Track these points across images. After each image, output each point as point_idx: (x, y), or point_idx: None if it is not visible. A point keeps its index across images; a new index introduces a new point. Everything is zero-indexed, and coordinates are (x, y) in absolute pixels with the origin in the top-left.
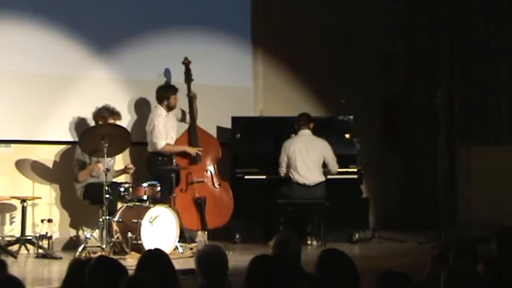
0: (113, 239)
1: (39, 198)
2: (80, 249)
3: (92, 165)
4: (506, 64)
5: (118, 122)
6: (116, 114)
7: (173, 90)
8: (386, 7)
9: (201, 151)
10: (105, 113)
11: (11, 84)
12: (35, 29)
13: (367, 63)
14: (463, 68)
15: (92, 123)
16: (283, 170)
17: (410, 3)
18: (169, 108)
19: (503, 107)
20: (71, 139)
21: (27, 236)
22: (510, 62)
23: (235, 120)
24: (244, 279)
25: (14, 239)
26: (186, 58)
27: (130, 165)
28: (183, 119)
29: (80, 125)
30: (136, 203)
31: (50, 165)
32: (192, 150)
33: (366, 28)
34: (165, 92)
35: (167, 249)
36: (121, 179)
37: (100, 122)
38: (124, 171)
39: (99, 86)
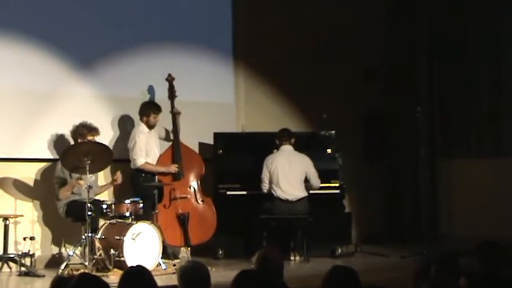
0: (95, 256)
1: (22, 216)
2: (62, 266)
3: (73, 180)
4: (487, 78)
5: (97, 138)
6: (94, 130)
7: (155, 108)
8: (367, 22)
9: (178, 167)
10: (83, 130)
11: None
12: (16, 45)
13: (348, 78)
14: (444, 82)
15: (72, 141)
16: (265, 186)
17: (391, 17)
18: (149, 126)
19: (484, 120)
20: (51, 156)
21: (10, 254)
22: (492, 75)
23: (217, 136)
24: None
25: None
26: (169, 75)
27: (118, 175)
28: (166, 138)
29: (61, 142)
30: (119, 220)
31: (32, 183)
32: (171, 169)
33: (346, 43)
34: (146, 109)
35: (150, 265)
36: (103, 195)
37: (79, 140)
38: (112, 183)
39: (80, 103)
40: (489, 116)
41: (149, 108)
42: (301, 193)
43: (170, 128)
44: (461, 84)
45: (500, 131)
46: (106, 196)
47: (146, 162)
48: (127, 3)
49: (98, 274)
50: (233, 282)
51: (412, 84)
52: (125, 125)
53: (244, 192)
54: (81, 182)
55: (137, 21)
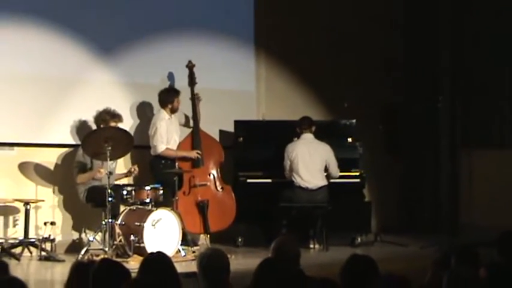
0: (115, 242)
1: (42, 200)
2: (82, 251)
3: (94, 171)
4: (508, 68)
5: (119, 125)
6: (117, 117)
7: (176, 93)
8: (387, 13)
9: (200, 154)
10: (106, 116)
11: (14, 88)
12: (38, 32)
13: (370, 67)
14: (466, 72)
15: (94, 126)
16: (286, 174)
17: (411, 8)
18: (173, 111)
19: (506, 110)
20: (73, 142)
21: (30, 238)
22: None
23: (237, 123)
24: (251, 282)
25: (17, 241)
26: (190, 61)
27: (135, 167)
28: (186, 124)
29: (82, 128)
30: (139, 206)
31: (53, 168)
32: (192, 154)
33: (368, 33)
34: (168, 96)
35: (169, 252)
36: (124, 181)
37: (102, 125)
38: (127, 174)
39: (102, 90)
40: (511, 107)
41: (172, 95)
42: (321, 182)
43: (190, 115)
44: (484, 75)
45: None
46: (126, 182)
47: (167, 148)
48: None
49: (118, 260)
50: (256, 270)
51: (433, 74)
52: (145, 112)
53: (264, 180)
54: (102, 170)
55: (158, 8)
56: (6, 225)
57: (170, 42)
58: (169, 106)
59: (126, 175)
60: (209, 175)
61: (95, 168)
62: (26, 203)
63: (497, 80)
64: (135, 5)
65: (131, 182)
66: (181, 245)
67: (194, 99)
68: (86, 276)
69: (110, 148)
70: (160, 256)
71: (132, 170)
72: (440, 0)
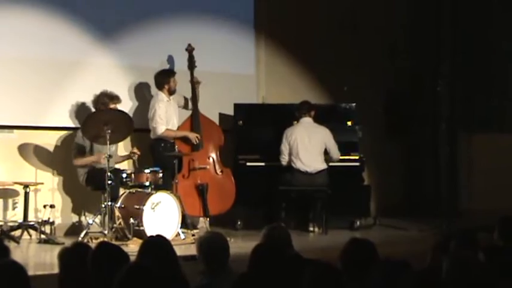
0: (115, 225)
1: (42, 183)
2: (82, 234)
3: (95, 156)
4: (509, 52)
5: (118, 106)
6: (115, 99)
7: (170, 73)
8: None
9: (199, 138)
10: (105, 99)
11: (13, 70)
12: (36, 15)
13: (371, 51)
14: (466, 57)
15: (93, 109)
16: (285, 158)
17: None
18: (171, 92)
19: (506, 95)
20: (72, 125)
21: (30, 221)
22: None
23: (237, 107)
24: (247, 267)
25: (16, 224)
26: (189, 45)
27: (135, 150)
28: (185, 106)
29: (81, 111)
30: (139, 189)
31: (53, 150)
32: (193, 136)
33: (372, 16)
34: (164, 77)
35: (169, 235)
36: (123, 165)
37: (101, 108)
38: (129, 156)
39: (101, 72)
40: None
41: (166, 75)
42: (321, 165)
43: (189, 97)
44: (484, 60)
45: None
46: (126, 165)
47: (167, 129)
48: None
49: (117, 243)
50: (250, 256)
51: (435, 59)
52: (144, 95)
53: (264, 164)
54: (102, 158)
55: None
56: (5, 208)
57: (170, 25)
58: (166, 87)
59: (127, 157)
60: (209, 158)
61: (95, 151)
62: (26, 186)
63: (499, 64)
64: None
65: (131, 164)
66: (180, 228)
67: (193, 82)
68: (84, 261)
69: (109, 131)
70: (159, 239)
71: (134, 151)
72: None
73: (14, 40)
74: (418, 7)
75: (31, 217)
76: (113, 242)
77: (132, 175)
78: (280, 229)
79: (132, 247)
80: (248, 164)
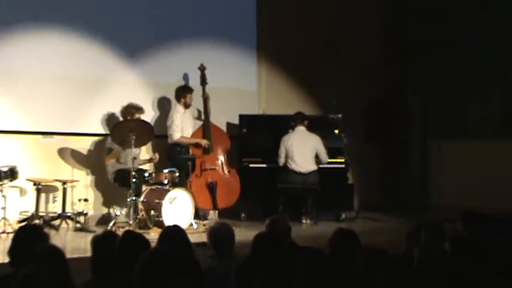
0: (138, 216)
1: (77, 181)
2: (110, 224)
3: (116, 150)
4: (474, 67)
5: (142, 116)
6: (140, 110)
7: (189, 90)
8: (369, 25)
9: (209, 144)
10: (132, 110)
11: (53, 86)
12: (74, 39)
13: (353, 70)
14: (436, 72)
15: (121, 118)
16: (281, 160)
17: (389, 22)
18: (186, 106)
19: (470, 107)
20: (103, 131)
21: (67, 212)
22: (479, 63)
23: (242, 117)
24: (250, 251)
25: (56, 215)
26: (201, 64)
27: (156, 155)
28: (198, 117)
29: (110, 119)
30: (158, 186)
31: (86, 153)
32: (203, 142)
33: (352, 42)
34: (182, 92)
35: (184, 225)
36: (146, 166)
37: (128, 117)
38: (150, 160)
39: (127, 87)
40: (473, 104)
41: (185, 91)
42: (312, 167)
43: (201, 109)
44: (452, 74)
45: (483, 117)
46: (148, 166)
47: (182, 136)
48: (166, 3)
49: (140, 231)
50: (252, 242)
51: (408, 75)
52: (164, 107)
53: (264, 165)
54: (127, 160)
55: (175, 19)
56: (47, 201)
57: (185, 47)
58: (183, 101)
59: (149, 161)
60: (217, 160)
61: (121, 154)
62: (64, 183)
63: (463, 80)
64: (156, 17)
65: (152, 165)
66: (193, 219)
67: (205, 96)
68: (112, 247)
69: (134, 137)
70: (176, 228)
71: (153, 157)
72: (409, 15)
73: (55, 60)
74: (393, 34)
75: (68, 209)
76: (137, 230)
77: (153, 174)
78: (281, 220)
79: (153, 235)
80: (251, 165)
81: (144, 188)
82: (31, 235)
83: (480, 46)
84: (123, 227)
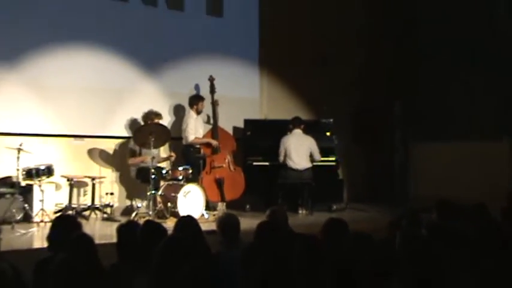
0: (156, 208)
1: (104, 177)
2: (133, 214)
3: (141, 157)
4: (454, 74)
5: (160, 121)
6: (159, 115)
7: (200, 98)
8: (354, 41)
9: (218, 144)
10: (151, 115)
11: (84, 96)
12: (102, 55)
13: (344, 79)
14: (414, 85)
15: (142, 123)
16: (281, 159)
17: (373, 39)
18: (198, 112)
19: (445, 113)
20: (126, 134)
21: (96, 204)
22: (461, 68)
23: (246, 121)
24: (253, 237)
25: (86, 206)
26: (211, 76)
27: (173, 154)
28: (208, 121)
29: (133, 124)
30: (174, 182)
31: (112, 153)
32: (213, 142)
33: (342, 56)
34: (194, 100)
35: (196, 215)
36: (163, 164)
37: (148, 122)
38: (168, 158)
39: (147, 96)
40: (445, 112)
41: (197, 99)
42: (307, 164)
43: (211, 115)
44: (429, 86)
45: (454, 123)
46: (165, 164)
47: (195, 137)
48: (180, 24)
49: (158, 221)
50: (255, 230)
51: (392, 85)
52: (179, 112)
53: (266, 163)
54: (147, 159)
55: (187, 37)
56: (78, 195)
57: (196, 62)
58: (195, 107)
59: (167, 159)
60: (225, 159)
61: (143, 154)
62: (93, 179)
63: (440, 90)
64: (171, 36)
65: (169, 163)
66: (204, 210)
67: (214, 103)
68: (135, 234)
69: (153, 139)
70: (189, 218)
71: (171, 156)
72: (395, 27)
73: (84, 74)
74: (377, 50)
75: (96, 201)
76: (156, 220)
77: (169, 171)
78: (280, 211)
79: (170, 224)
80: (254, 163)
81: (161, 183)
82: (66, 224)
83: (451, 62)
84: (143, 217)
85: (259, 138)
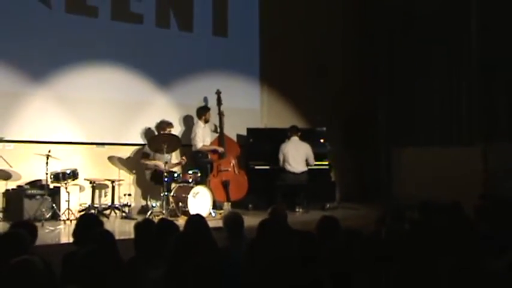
0: (169, 207)
1: (123, 180)
2: (148, 213)
3: (154, 162)
4: (432, 85)
5: (172, 130)
6: (171, 125)
7: (208, 109)
8: (341, 56)
9: (223, 151)
10: (164, 125)
11: (104, 108)
12: (119, 71)
13: (334, 90)
14: (398, 95)
15: (156, 132)
16: (280, 163)
17: (356, 55)
18: (206, 121)
19: (425, 120)
20: (142, 142)
21: (115, 204)
22: (438, 79)
23: (249, 130)
24: (256, 234)
25: (107, 206)
26: (217, 89)
27: (184, 158)
28: (215, 130)
29: (147, 133)
30: (185, 184)
31: (129, 159)
32: (219, 149)
33: (333, 70)
34: (202, 111)
35: (204, 214)
36: (175, 168)
37: (161, 131)
38: (179, 163)
39: (160, 108)
40: (424, 119)
41: (204, 110)
42: (304, 168)
43: (217, 124)
44: (411, 94)
45: (433, 130)
46: (177, 169)
47: (203, 145)
48: (190, 43)
49: (171, 219)
50: (258, 226)
51: (376, 94)
52: (188, 122)
53: (267, 167)
54: (161, 164)
55: (196, 54)
56: (100, 196)
57: (204, 77)
58: (203, 117)
59: (178, 164)
60: (230, 163)
61: (156, 158)
62: (113, 181)
63: (423, 98)
64: (181, 53)
65: (180, 168)
66: (212, 209)
67: (220, 114)
68: (150, 231)
69: (166, 146)
70: (198, 216)
71: (182, 160)
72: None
73: (105, 88)
74: (361, 60)
75: (116, 201)
76: (168, 218)
77: (181, 175)
78: (279, 209)
79: (181, 222)
80: (256, 167)
81: (173, 185)
82: (89, 221)
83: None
84: (158, 216)
85: (260, 145)
